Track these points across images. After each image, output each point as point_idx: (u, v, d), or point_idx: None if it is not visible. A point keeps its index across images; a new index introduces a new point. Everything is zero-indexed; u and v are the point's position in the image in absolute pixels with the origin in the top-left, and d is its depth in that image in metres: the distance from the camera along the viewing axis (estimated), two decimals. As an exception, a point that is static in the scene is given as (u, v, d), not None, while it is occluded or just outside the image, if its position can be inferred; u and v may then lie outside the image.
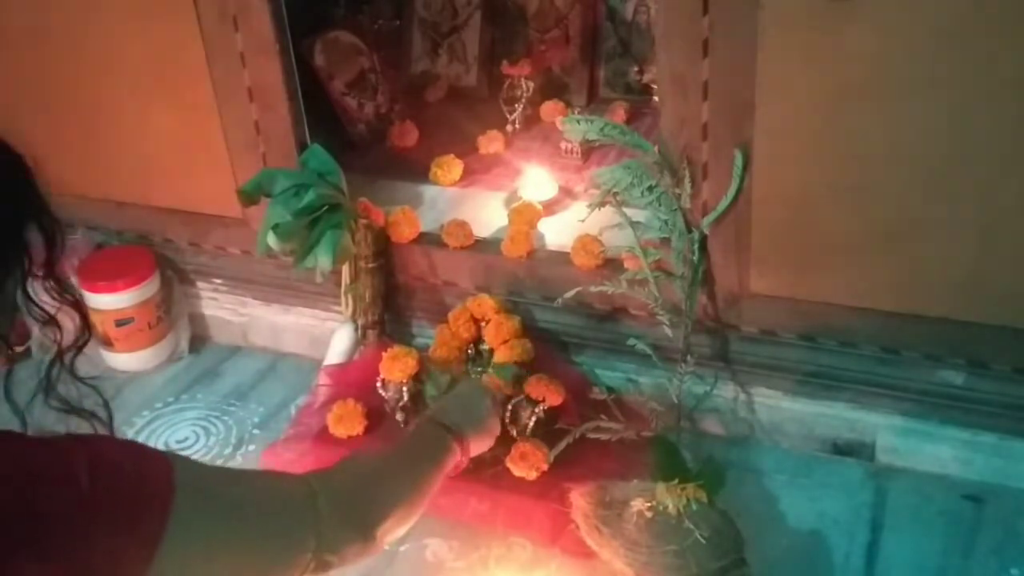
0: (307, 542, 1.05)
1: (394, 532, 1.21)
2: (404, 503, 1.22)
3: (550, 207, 1.95)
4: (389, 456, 1.31)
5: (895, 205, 1.50)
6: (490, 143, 2.21)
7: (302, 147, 1.86)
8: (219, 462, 1.82)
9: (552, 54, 2.38)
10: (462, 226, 1.87)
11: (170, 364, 2.11)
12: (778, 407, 1.74)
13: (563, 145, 2.11)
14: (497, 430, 1.52)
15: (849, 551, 1.55)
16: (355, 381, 1.82)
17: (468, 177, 2.11)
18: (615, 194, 1.64)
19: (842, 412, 1.70)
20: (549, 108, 2.30)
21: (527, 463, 1.61)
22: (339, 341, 1.91)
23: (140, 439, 1.90)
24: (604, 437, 1.65)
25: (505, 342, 1.78)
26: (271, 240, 1.69)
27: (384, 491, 1.21)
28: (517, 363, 1.73)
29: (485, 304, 1.82)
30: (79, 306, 1.04)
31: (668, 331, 1.65)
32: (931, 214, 1.48)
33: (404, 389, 1.74)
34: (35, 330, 2.13)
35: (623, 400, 1.73)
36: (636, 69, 2.33)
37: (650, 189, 1.62)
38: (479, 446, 1.45)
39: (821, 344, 1.66)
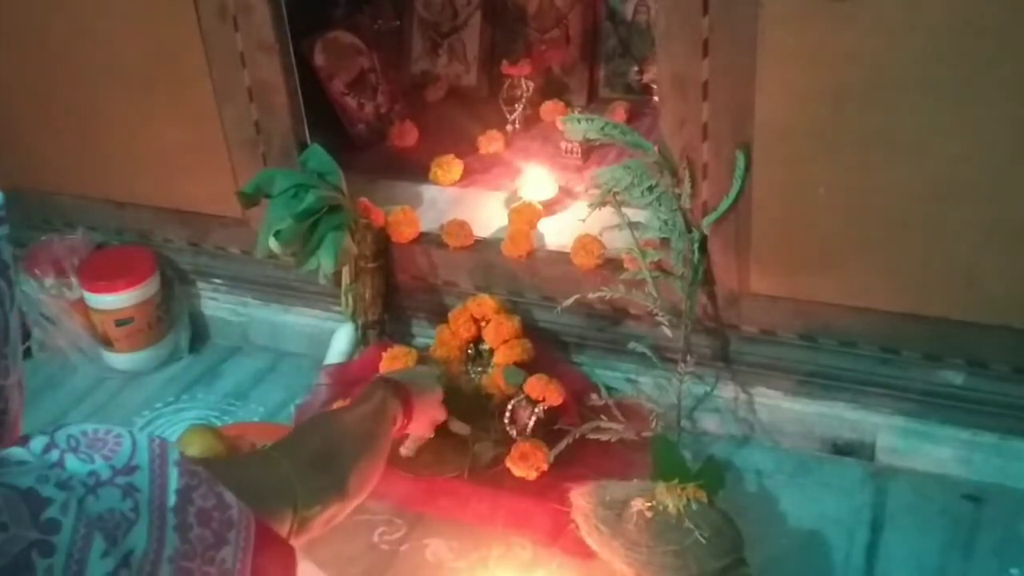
0: (287, 506, 1.11)
1: (362, 488, 1.29)
2: (363, 458, 1.31)
3: (550, 207, 1.95)
4: (339, 417, 1.40)
5: (895, 205, 1.50)
6: (490, 143, 2.20)
7: (302, 147, 1.86)
8: (219, 462, 1.82)
9: (552, 54, 2.38)
10: (462, 226, 1.87)
11: (170, 364, 2.11)
12: (778, 407, 1.74)
13: (563, 145, 2.11)
14: (439, 402, 1.61)
15: (849, 551, 1.55)
16: (355, 381, 1.82)
17: (468, 177, 2.11)
18: (615, 194, 1.64)
19: (842, 412, 1.70)
20: (549, 108, 2.29)
21: (527, 463, 1.61)
22: (339, 341, 1.91)
23: (140, 439, 1.90)
24: (604, 437, 1.65)
25: (505, 342, 1.78)
26: (272, 244, 1.69)
27: (342, 449, 1.28)
28: (517, 363, 1.74)
29: (485, 304, 1.82)
30: None
31: (668, 331, 1.65)
32: (931, 214, 1.48)
33: (404, 389, 1.74)
34: (35, 330, 2.13)
35: (623, 400, 1.74)
36: (636, 69, 2.33)
37: (650, 189, 1.62)
38: (422, 408, 1.55)
39: (821, 344, 1.66)
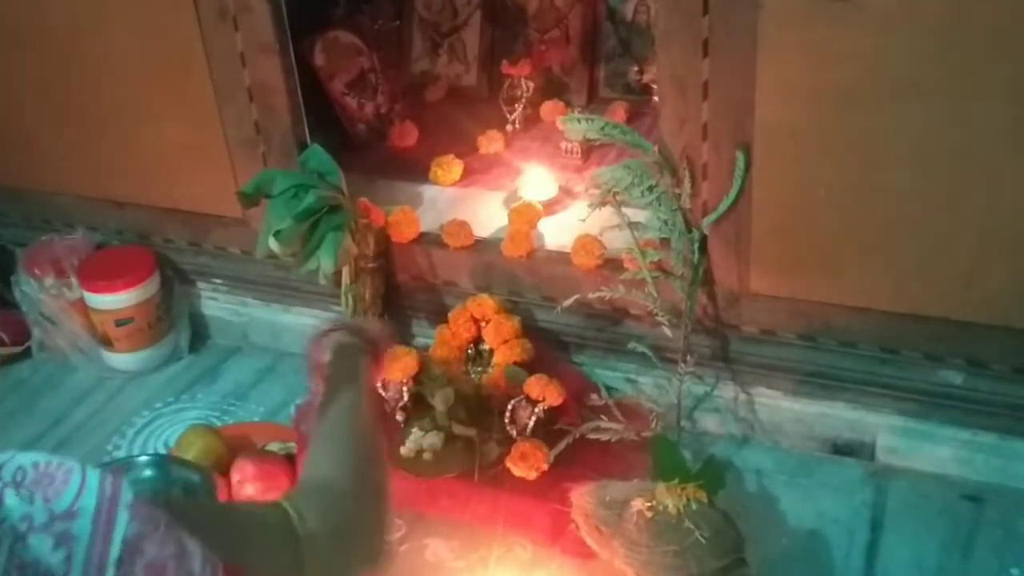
0: (286, 569, 0.97)
1: (388, 533, 1.15)
2: (387, 499, 1.16)
3: (550, 207, 1.95)
4: (349, 439, 1.21)
5: (895, 205, 1.50)
6: (490, 143, 2.20)
7: (302, 147, 1.86)
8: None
9: (552, 54, 2.38)
10: (462, 226, 1.87)
11: (170, 364, 2.11)
12: (778, 407, 1.74)
13: (563, 145, 2.11)
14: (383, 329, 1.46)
15: (849, 551, 1.55)
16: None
17: (468, 177, 2.11)
18: (615, 194, 1.64)
19: (842, 412, 1.70)
20: (549, 108, 2.29)
21: (527, 463, 1.61)
22: (339, 341, 1.91)
23: (140, 439, 1.91)
24: (604, 437, 1.65)
25: (505, 342, 1.78)
26: (272, 244, 1.69)
27: (369, 506, 1.12)
28: (517, 363, 1.73)
29: (485, 304, 1.82)
30: None
31: (668, 331, 1.65)
32: (931, 214, 1.48)
33: (404, 389, 1.74)
34: (35, 330, 2.13)
35: (623, 400, 1.74)
36: (636, 69, 2.33)
37: (650, 189, 1.62)
38: (383, 348, 1.41)
39: (821, 344, 1.66)
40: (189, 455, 1.70)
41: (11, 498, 0.70)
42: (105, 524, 0.71)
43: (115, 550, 0.71)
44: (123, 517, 0.72)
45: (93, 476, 0.73)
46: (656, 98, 2.10)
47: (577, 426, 1.65)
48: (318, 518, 1.01)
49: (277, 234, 1.68)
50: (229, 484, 1.66)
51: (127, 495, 0.73)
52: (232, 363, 2.11)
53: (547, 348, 1.83)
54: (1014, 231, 1.45)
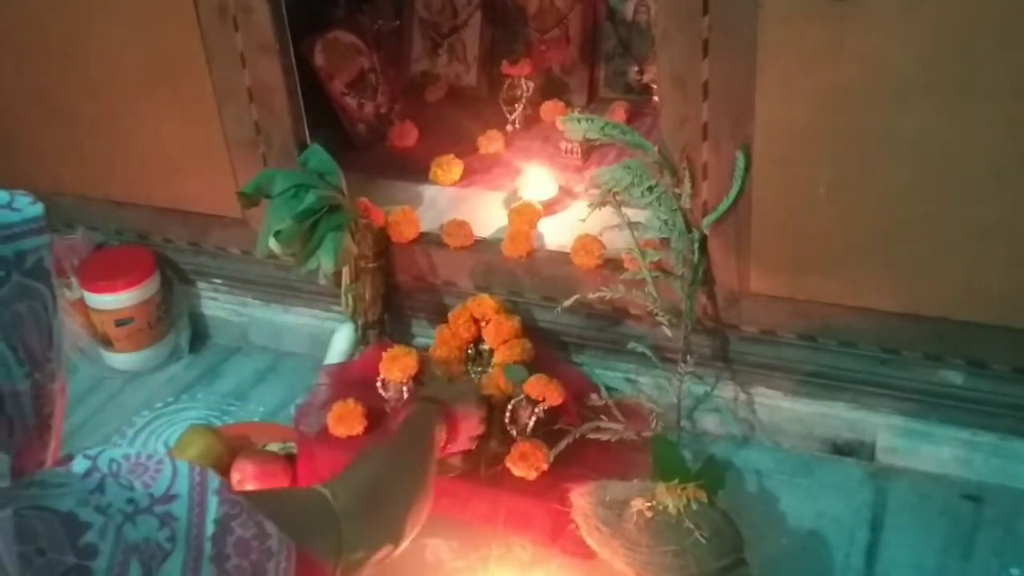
0: (329, 548, 1.06)
1: (414, 529, 1.26)
2: (417, 498, 1.28)
3: (550, 207, 1.95)
4: (391, 454, 1.36)
5: (895, 205, 1.50)
6: (490, 143, 2.21)
7: (302, 147, 1.86)
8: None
9: (552, 54, 2.38)
10: (462, 226, 1.87)
11: (170, 364, 2.11)
12: (778, 407, 1.74)
13: (563, 145, 2.11)
14: (481, 413, 1.59)
15: (849, 551, 1.55)
16: (355, 381, 1.82)
17: (468, 177, 2.11)
18: (615, 194, 1.64)
19: (842, 412, 1.70)
20: (549, 108, 2.29)
21: (527, 463, 1.61)
22: (339, 341, 1.91)
23: (140, 439, 1.91)
24: (604, 437, 1.65)
25: (505, 342, 1.78)
26: (272, 244, 1.69)
27: (395, 489, 1.25)
28: (517, 363, 1.73)
29: (485, 304, 1.82)
30: None
31: (668, 331, 1.65)
32: (931, 214, 1.48)
33: (404, 389, 1.74)
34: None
35: (623, 400, 1.74)
36: (636, 69, 2.33)
37: (650, 189, 1.62)
38: (465, 427, 1.52)
39: (821, 344, 1.66)
40: (189, 455, 1.70)
41: (112, 486, 0.76)
42: (199, 506, 0.79)
43: (210, 528, 0.78)
44: (213, 501, 0.80)
45: (182, 464, 0.81)
46: (656, 98, 2.11)
47: (577, 426, 1.65)
48: (349, 493, 1.13)
49: (277, 234, 1.68)
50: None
51: (213, 481, 0.81)
52: (232, 363, 2.11)
53: (547, 348, 1.83)
54: (1014, 231, 1.45)
